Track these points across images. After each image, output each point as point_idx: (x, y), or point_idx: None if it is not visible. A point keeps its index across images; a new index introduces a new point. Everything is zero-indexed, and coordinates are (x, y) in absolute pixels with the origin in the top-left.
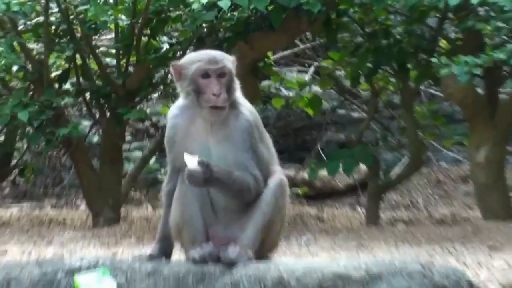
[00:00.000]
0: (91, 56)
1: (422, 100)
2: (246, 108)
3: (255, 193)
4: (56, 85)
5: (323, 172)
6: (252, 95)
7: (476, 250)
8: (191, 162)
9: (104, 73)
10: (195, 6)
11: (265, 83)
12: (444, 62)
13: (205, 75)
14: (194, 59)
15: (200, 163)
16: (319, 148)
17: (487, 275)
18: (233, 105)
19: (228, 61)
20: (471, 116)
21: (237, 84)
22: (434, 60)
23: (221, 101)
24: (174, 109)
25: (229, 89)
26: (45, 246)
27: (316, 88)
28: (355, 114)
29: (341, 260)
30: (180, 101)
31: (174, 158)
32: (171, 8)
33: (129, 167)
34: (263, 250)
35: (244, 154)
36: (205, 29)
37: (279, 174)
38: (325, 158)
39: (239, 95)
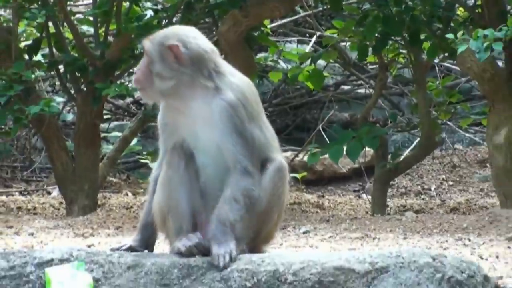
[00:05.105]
0: (65, 24)
1: (436, 75)
2: (231, 85)
3: (258, 191)
4: (26, 57)
5: (325, 156)
6: (246, 69)
7: (493, 241)
8: None
9: (80, 43)
10: None
11: (261, 55)
12: (461, 37)
13: None
14: None
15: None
16: (321, 128)
17: (504, 269)
18: (212, 85)
19: (155, 43)
20: (490, 93)
21: (167, 68)
22: (449, 35)
23: (133, 79)
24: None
25: (151, 72)
26: (12, 236)
27: (319, 61)
28: (361, 91)
29: (344, 252)
30: None
31: (165, 140)
32: None
33: (107, 149)
34: (257, 241)
35: (229, 138)
36: None
37: (278, 158)
38: (327, 140)
39: (223, 69)
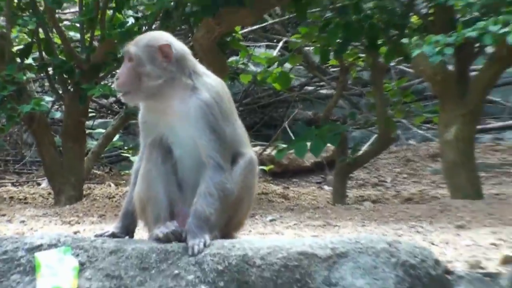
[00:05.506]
0: (54, 30)
1: (392, 77)
2: (206, 85)
3: (231, 184)
4: (18, 60)
5: (290, 151)
6: (220, 71)
7: (443, 228)
8: None
9: (67, 48)
10: None
11: (232, 58)
12: (415, 42)
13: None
14: None
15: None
16: (286, 126)
17: (453, 254)
18: (191, 84)
19: (141, 46)
20: (441, 94)
21: (155, 68)
22: (404, 40)
23: (116, 84)
24: None
25: (138, 75)
26: (5, 224)
27: (285, 64)
28: (324, 91)
29: (307, 238)
30: None
31: (145, 136)
32: None
33: (92, 144)
34: (229, 228)
35: (203, 134)
36: (172, 3)
37: (249, 152)
38: (292, 136)
39: (199, 71)
